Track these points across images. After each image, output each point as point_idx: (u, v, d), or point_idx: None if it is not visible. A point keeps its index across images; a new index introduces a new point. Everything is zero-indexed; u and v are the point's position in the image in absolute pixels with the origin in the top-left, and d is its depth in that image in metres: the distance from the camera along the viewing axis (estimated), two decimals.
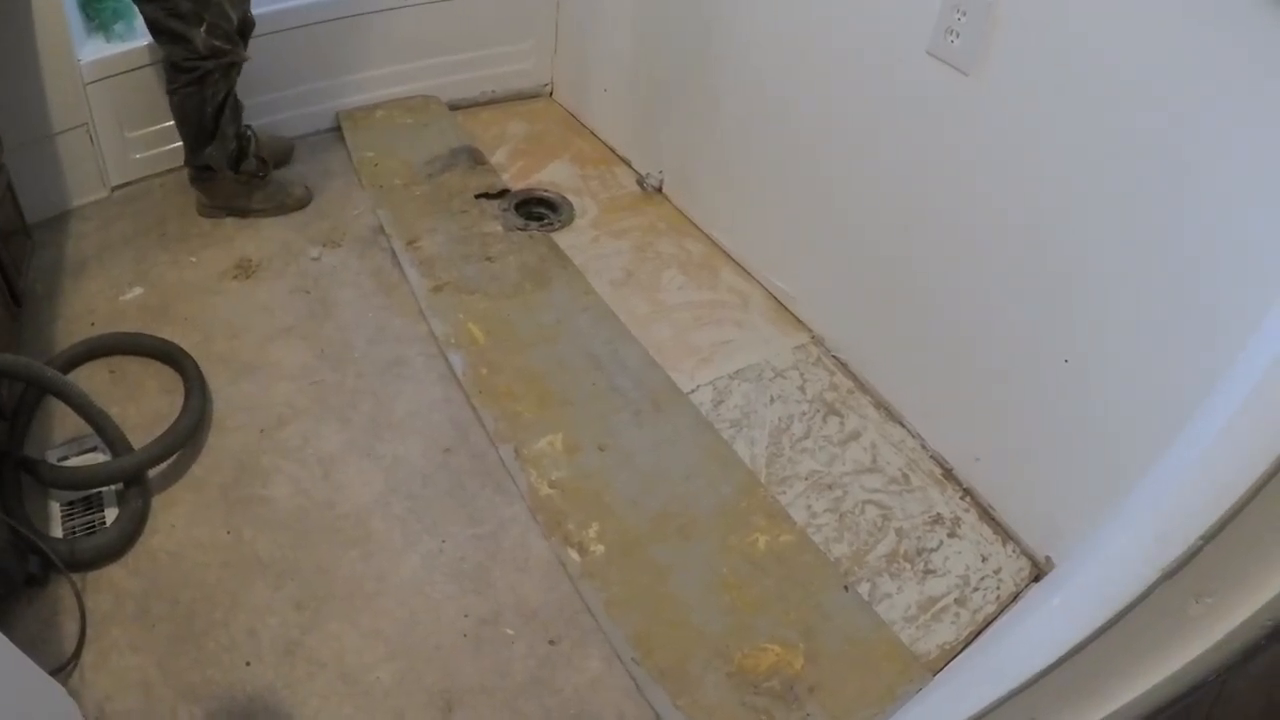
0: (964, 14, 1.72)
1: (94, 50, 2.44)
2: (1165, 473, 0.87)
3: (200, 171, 2.65)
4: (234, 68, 2.50)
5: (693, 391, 2.26)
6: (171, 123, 2.64)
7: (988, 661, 1.09)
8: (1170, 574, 0.76)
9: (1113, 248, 1.61)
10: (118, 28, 2.52)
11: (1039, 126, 1.67)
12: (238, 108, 2.63)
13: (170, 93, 2.49)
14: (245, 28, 2.53)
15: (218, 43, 2.39)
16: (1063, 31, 1.58)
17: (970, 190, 1.84)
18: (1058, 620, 0.90)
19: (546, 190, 2.91)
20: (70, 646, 1.63)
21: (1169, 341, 1.56)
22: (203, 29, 2.34)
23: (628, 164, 3.10)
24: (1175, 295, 1.53)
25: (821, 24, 2.07)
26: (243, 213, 2.74)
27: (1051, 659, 0.87)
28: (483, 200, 2.80)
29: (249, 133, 2.73)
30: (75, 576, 1.72)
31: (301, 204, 2.82)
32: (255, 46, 2.53)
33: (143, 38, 2.49)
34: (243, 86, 2.55)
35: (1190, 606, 0.77)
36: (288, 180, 2.86)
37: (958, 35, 1.74)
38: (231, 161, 2.66)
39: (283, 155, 3.01)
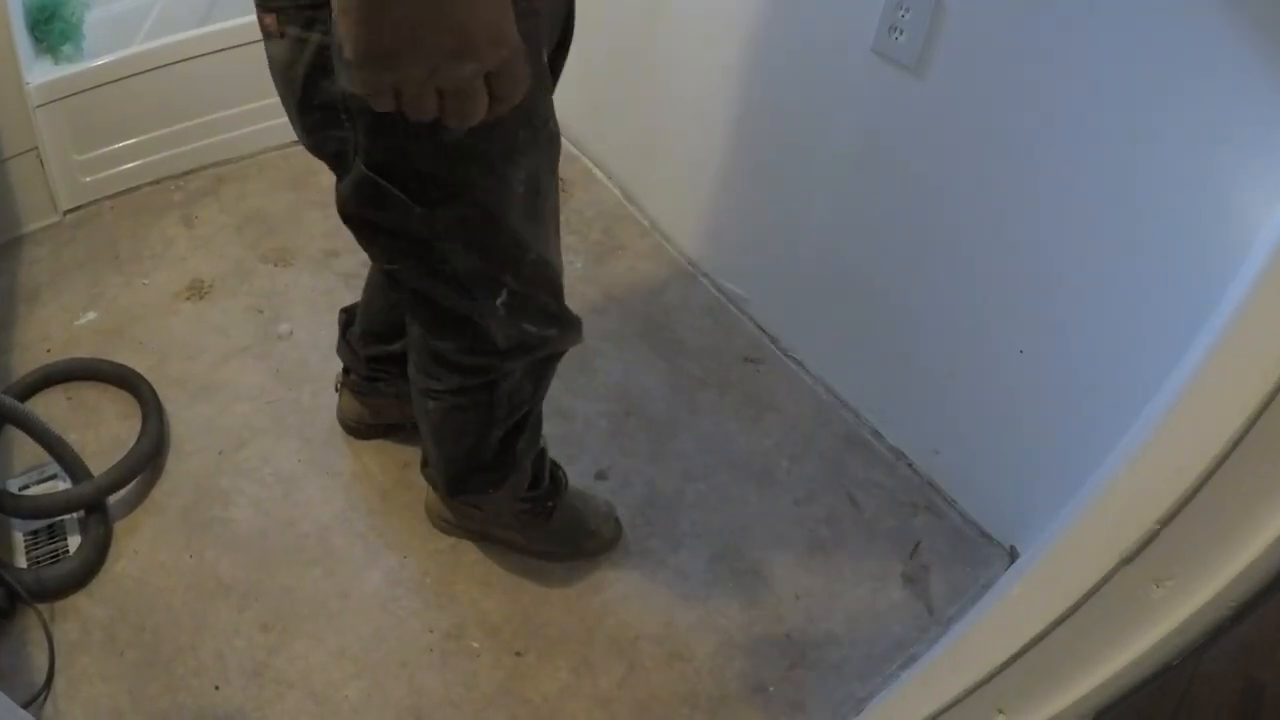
0: (907, 10, 1.72)
1: (42, 73, 2.38)
2: (1120, 459, 0.87)
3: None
4: (554, 360, 1.47)
5: None
6: (125, 142, 2.54)
7: (951, 654, 1.10)
8: (1128, 559, 0.77)
9: (1064, 240, 1.63)
10: (66, 49, 2.47)
11: (988, 122, 1.68)
12: (539, 414, 1.58)
13: (424, 393, 1.46)
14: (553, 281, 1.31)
15: (531, 327, 1.29)
16: (1009, 26, 1.59)
17: (920, 187, 1.85)
18: (1018, 610, 0.91)
19: None
20: (40, 677, 1.61)
21: (1121, 332, 1.58)
22: (500, 300, 1.22)
23: None
24: (1128, 286, 1.55)
25: (765, 24, 2.07)
26: (503, 543, 1.86)
27: (1013, 650, 0.88)
28: None
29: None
30: (42, 606, 1.70)
31: (605, 547, 1.87)
32: (210, 58, 2.39)
33: (91, 58, 2.42)
34: (188, 107, 2.46)
35: (1151, 591, 0.77)
36: (588, 508, 1.86)
37: (902, 32, 1.75)
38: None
39: None
